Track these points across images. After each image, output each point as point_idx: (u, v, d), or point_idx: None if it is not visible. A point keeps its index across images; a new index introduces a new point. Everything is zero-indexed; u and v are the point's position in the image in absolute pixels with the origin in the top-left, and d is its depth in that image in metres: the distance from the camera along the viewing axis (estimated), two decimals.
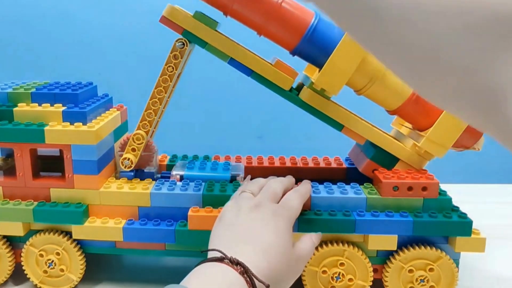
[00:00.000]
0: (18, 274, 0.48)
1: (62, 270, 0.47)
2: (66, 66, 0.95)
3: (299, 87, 0.50)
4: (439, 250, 0.45)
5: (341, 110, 0.47)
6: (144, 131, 0.47)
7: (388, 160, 0.49)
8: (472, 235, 0.45)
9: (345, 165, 0.57)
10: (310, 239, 0.41)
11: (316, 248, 0.46)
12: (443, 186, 0.47)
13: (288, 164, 0.56)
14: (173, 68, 0.45)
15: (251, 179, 0.51)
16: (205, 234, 0.44)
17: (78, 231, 0.46)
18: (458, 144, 0.48)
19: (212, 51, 0.46)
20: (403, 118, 0.50)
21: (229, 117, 0.98)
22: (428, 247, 0.45)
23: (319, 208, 0.46)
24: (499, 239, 0.58)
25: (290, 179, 0.46)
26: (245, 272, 0.32)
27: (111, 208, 0.46)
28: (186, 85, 0.91)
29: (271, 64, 0.46)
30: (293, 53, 0.47)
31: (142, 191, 0.46)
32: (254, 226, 0.36)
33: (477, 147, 0.49)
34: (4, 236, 0.47)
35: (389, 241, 0.45)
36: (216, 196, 0.46)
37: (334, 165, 0.57)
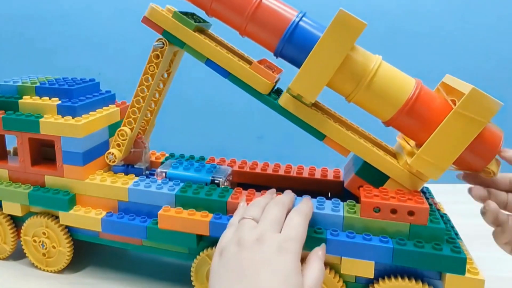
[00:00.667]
0: (17, 252, 0.53)
1: (54, 247, 0.50)
2: (79, 64, 1.02)
3: None
4: (420, 283, 0.39)
5: (323, 118, 0.43)
6: (129, 128, 0.49)
7: (375, 176, 0.43)
8: (467, 274, 0.38)
9: (342, 178, 0.52)
10: (316, 261, 0.36)
11: None
12: (443, 186, 0.41)
13: (282, 172, 0.53)
14: (154, 67, 0.46)
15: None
16: (174, 235, 0.45)
17: (64, 218, 0.49)
18: (463, 166, 0.42)
19: (190, 51, 0.45)
20: (399, 130, 0.44)
21: (233, 118, 0.97)
22: (407, 279, 0.39)
23: None
24: None
25: (290, 197, 0.41)
26: None
27: (95, 199, 0.49)
28: (191, 85, 0.93)
29: (248, 66, 0.44)
30: (275, 54, 0.44)
31: (121, 186, 0.47)
32: (259, 268, 0.32)
33: (492, 171, 0.41)
34: (9, 214, 0.52)
35: (364, 267, 0.40)
36: (189, 197, 0.45)
37: (330, 177, 0.53)
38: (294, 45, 0.42)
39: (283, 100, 0.44)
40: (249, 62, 0.46)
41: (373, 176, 0.44)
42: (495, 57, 0.97)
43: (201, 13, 0.48)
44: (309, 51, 0.41)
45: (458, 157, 0.40)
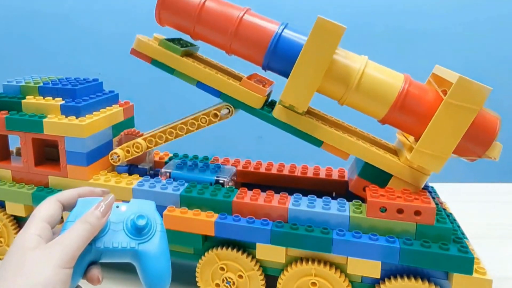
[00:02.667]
0: None
1: None
2: (79, 64, 1.02)
3: None
4: (427, 283, 0.39)
5: (318, 125, 0.44)
6: (147, 145, 0.49)
7: (378, 176, 0.43)
8: (475, 274, 0.38)
9: (346, 178, 0.52)
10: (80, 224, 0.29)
11: (286, 269, 0.43)
12: (442, 186, 0.41)
13: (286, 172, 0.53)
14: (206, 121, 0.47)
15: (235, 183, 0.50)
16: (179, 235, 0.45)
17: None
18: (462, 154, 0.41)
19: (180, 76, 0.47)
20: (396, 127, 0.44)
21: (233, 118, 0.98)
22: (414, 279, 0.39)
23: (297, 222, 0.43)
24: (501, 239, 0.58)
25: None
26: None
27: None
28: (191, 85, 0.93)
29: (238, 83, 0.45)
30: (263, 68, 0.46)
31: (125, 186, 0.47)
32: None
33: (492, 156, 0.41)
34: (12, 215, 0.52)
35: (371, 267, 0.40)
36: (193, 197, 0.45)
37: (335, 177, 0.52)
38: (279, 57, 0.44)
39: (277, 112, 0.45)
40: (239, 79, 0.46)
41: (376, 175, 0.43)
42: (493, 53, 0.97)
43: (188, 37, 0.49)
44: (295, 61, 0.41)
45: (456, 146, 0.40)
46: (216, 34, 0.45)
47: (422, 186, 0.43)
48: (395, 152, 0.45)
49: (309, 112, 0.47)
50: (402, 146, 0.45)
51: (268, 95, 0.48)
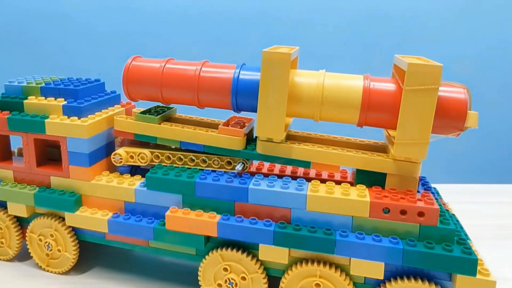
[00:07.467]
0: (22, 253, 0.53)
1: (59, 250, 0.50)
2: (78, 64, 1.02)
3: None
4: (430, 285, 0.39)
5: (301, 148, 0.45)
6: (153, 159, 0.49)
7: (374, 179, 0.43)
8: (478, 275, 0.38)
9: (349, 179, 0.52)
10: None
11: (291, 269, 0.43)
12: (441, 186, 0.41)
13: (288, 172, 0.53)
14: (218, 164, 0.48)
15: None
16: (181, 236, 0.45)
17: (70, 219, 0.48)
18: (445, 130, 0.41)
19: (163, 141, 0.48)
20: (374, 126, 0.44)
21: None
22: (416, 280, 0.39)
23: (301, 223, 0.43)
24: (504, 240, 0.58)
25: None
26: None
27: (102, 200, 0.48)
28: None
29: (216, 132, 0.47)
30: (235, 111, 0.47)
31: (127, 187, 0.47)
32: None
33: (471, 125, 0.41)
34: (15, 216, 0.52)
35: (374, 268, 0.40)
36: (196, 198, 0.45)
37: (337, 177, 0.52)
38: (244, 98, 0.45)
39: (259, 148, 0.45)
40: (217, 127, 0.47)
41: (371, 179, 0.43)
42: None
43: None
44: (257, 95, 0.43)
45: (433, 127, 0.40)
46: (182, 93, 0.47)
47: (419, 174, 0.43)
48: (384, 149, 0.46)
49: (291, 137, 0.48)
50: (390, 141, 0.46)
51: (250, 132, 0.49)
